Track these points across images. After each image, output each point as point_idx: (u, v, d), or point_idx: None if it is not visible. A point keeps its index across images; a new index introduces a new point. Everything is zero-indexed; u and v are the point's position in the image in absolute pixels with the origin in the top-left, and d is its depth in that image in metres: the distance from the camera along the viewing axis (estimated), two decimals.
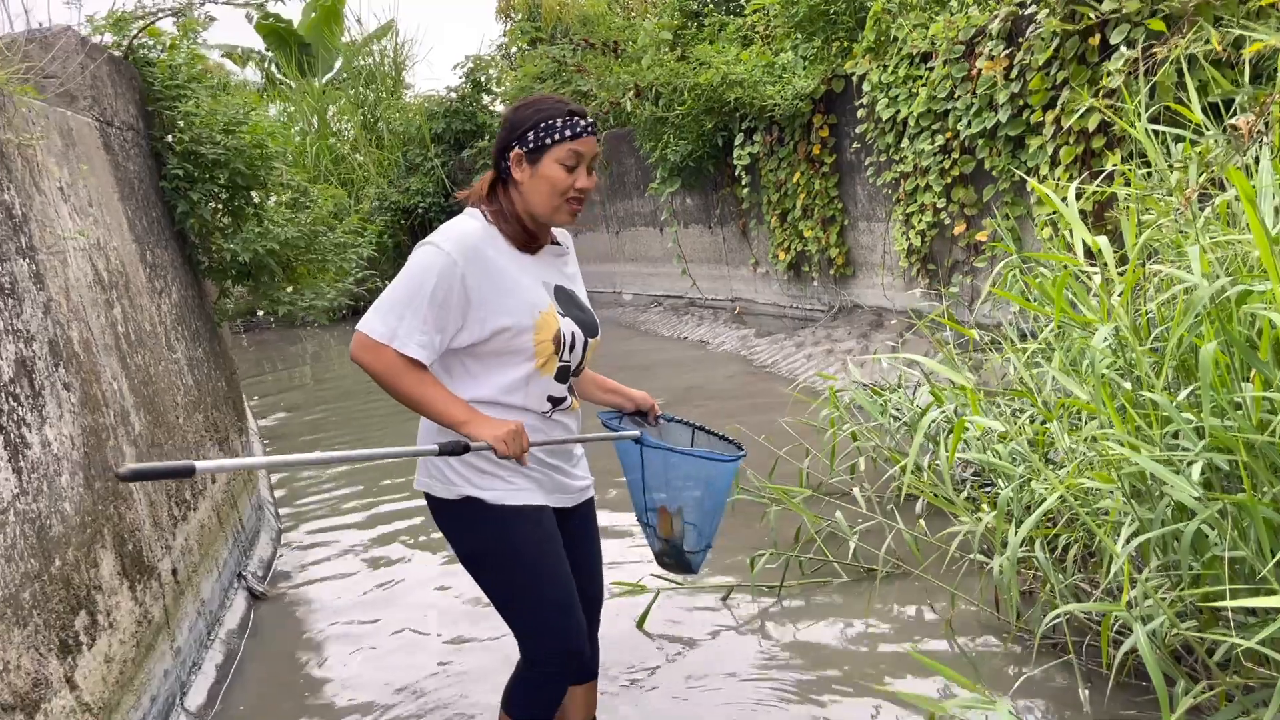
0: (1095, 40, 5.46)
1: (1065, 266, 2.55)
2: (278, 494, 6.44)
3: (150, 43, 5.04)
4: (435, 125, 16.05)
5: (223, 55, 20.59)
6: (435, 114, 16.21)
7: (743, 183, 9.54)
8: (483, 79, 16.17)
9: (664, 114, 9.73)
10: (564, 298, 2.39)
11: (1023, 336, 4.54)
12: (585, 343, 2.39)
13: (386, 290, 2.23)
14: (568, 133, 2.23)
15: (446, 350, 2.28)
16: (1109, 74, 5.12)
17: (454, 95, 16.26)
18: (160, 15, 4.58)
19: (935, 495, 3.16)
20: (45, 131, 3.35)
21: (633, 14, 13.64)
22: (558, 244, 2.46)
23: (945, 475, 2.77)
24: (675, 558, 2.62)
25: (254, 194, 4.99)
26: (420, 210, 15.61)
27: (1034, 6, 6.01)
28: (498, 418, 2.24)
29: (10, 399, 2.62)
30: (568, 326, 2.33)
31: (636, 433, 2.54)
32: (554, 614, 2.39)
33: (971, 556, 3.28)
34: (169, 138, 4.77)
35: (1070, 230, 3.61)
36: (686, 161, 9.80)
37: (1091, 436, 2.55)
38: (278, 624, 4.48)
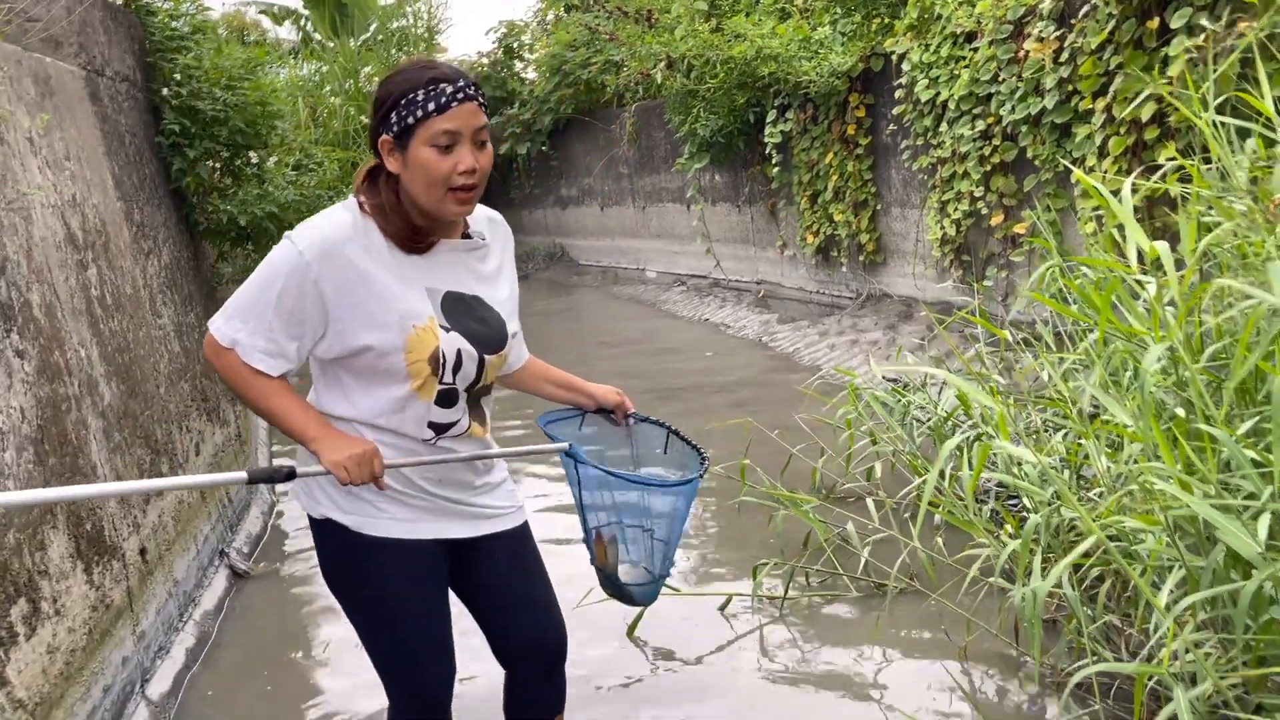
0: (1154, 24, 5.10)
1: (1113, 272, 2.26)
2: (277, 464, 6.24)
3: None
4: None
5: (260, 12, 20.41)
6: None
7: (773, 161, 9.22)
8: (515, 45, 15.85)
9: (695, 87, 9.41)
10: (456, 307, 1.97)
11: (1059, 338, 4.24)
12: (480, 360, 2.00)
13: (240, 286, 1.96)
14: (431, 106, 1.83)
15: (320, 358, 1.99)
16: (1170, 60, 4.76)
17: (485, 61, 15.96)
18: None
19: (953, 514, 2.89)
20: (14, 78, 3.12)
21: None
22: (469, 236, 2.05)
23: (969, 497, 2.49)
24: (613, 588, 2.27)
25: (253, 154, 4.76)
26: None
27: None
28: (361, 438, 1.95)
29: None
30: (451, 343, 1.94)
31: (564, 445, 2.16)
32: (408, 660, 2.10)
33: (991, 581, 3.01)
34: (167, 91, 4.54)
35: (1120, 229, 3.31)
36: (716, 137, 9.48)
37: (1132, 460, 2.27)
38: (259, 605, 4.28)
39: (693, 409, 6.64)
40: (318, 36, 19.42)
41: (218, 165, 4.89)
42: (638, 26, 11.09)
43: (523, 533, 2.24)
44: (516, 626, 2.21)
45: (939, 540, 3.60)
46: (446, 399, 1.99)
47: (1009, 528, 3.02)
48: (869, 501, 3.47)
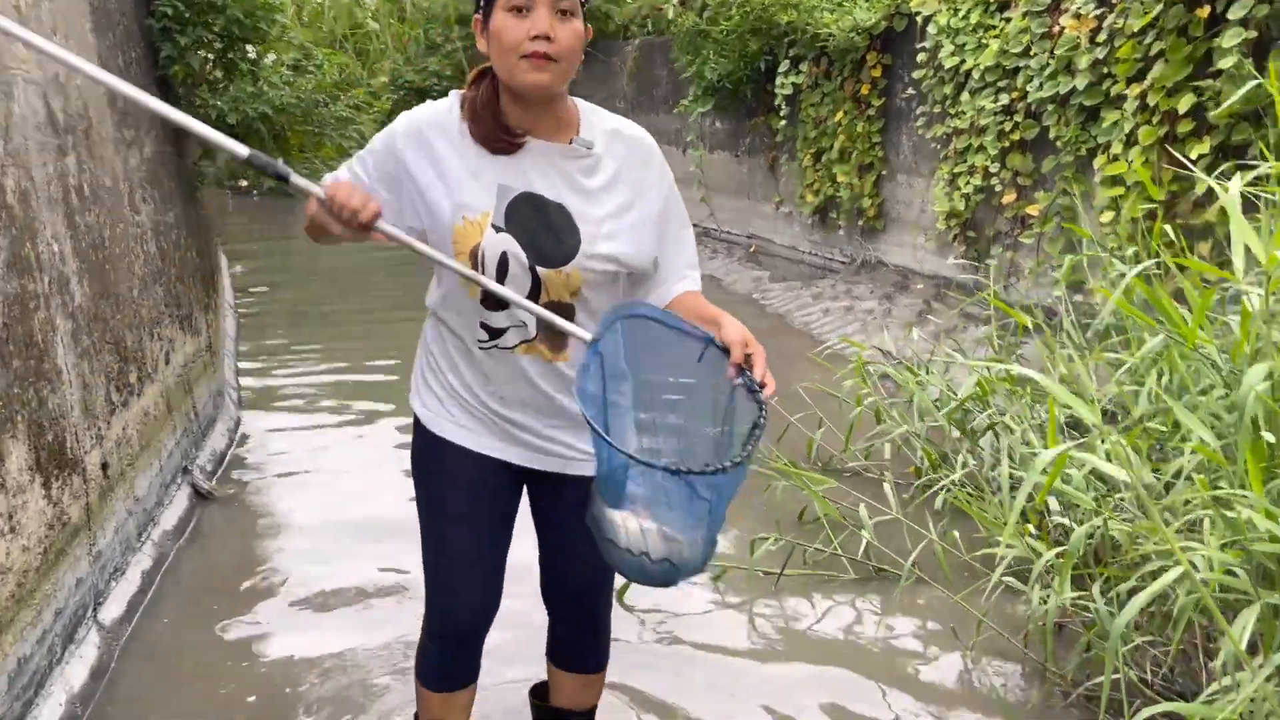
0: (1204, 12, 4.89)
1: (1210, 279, 2.09)
2: (244, 381, 5.99)
3: None
4: (464, 4, 15.23)
5: None
6: None
7: (781, 113, 8.95)
8: None
9: (707, 28, 9.08)
10: (525, 209, 1.83)
11: (1072, 326, 4.09)
12: (533, 271, 1.84)
13: None
14: None
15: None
16: (1218, 52, 4.57)
17: None
18: None
19: (976, 509, 2.73)
20: None
21: None
22: (574, 143, 1.87)
23: (1006, 510, 2.33)
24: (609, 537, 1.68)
25: (250, 48, 4.44)
26: (435, 94, 14.84)
27: None
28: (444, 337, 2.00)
29: None
30: (496, 244, 1.81)
31: (588, 335, 1.76)
32: (446, 575, 2.07)
33: (1007, 580, 2.87)
34: None
35: (1146, 219, 3.12)
36: (724, 82, 9.17)
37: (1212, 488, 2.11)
38: (221, 527, 4.09)
39: None
40: None
41: (210, 56, 4.56)
42: None
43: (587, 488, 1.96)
44: (568, 576, 2.17)
45: (944, 527, 3.46)
46: (494, 300, 1.87)
47: (1030, 527, 2.88)
48: (886, 487, 3.31)
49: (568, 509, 2.01)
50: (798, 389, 4.63)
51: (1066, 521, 2.71)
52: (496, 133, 1.84)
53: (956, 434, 4.02)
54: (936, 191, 7.27)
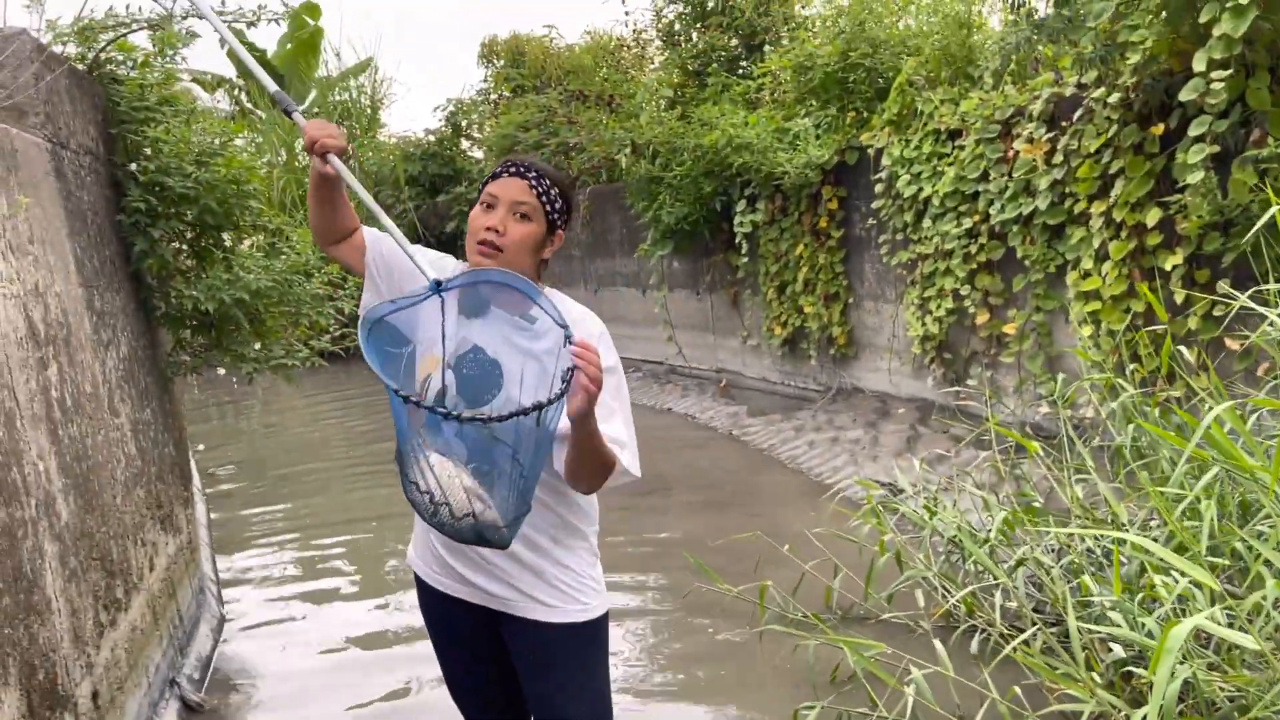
0: (1158, 129, 5.05)
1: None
2: (222, 572, 5.71)
3: (120, 58, 4.43)
4: (411, 167, 15.48)
5: (192, 80, 19.89)
6: (411, 156, 15.65)
7: (742, 251, 9.06)
8: (464, 123, 15.66)
9: (660, 173, 9.26)
10: (469, 358, 2.08)
11: (1051, 439, 4.03)
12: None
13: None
14: (492, 174, 2.22)
15: None
16: (1179, 167, 4.68)
17: (432, 138, 15.72)
18: (135, 27, 3.97)
19: (1050, 669, 2.57)
20: None
21: (627, 69, 13.25)
22: (521, 316, 2.04)
23: (1080, 669, 2.18)
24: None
25: (226, 236, 4.36)
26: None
27: (1082, 90, 5.61)
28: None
29: None
30: (439, 378, 2.05)
31: (433, 274, 1.97)
32: (451, 691, 2.40)
33: None
34: (133, 166, 4.15)
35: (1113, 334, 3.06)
36: (682, 224, 9.30)
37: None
38: None
39: (677, 506, 6.30)
40: (250, 106, 18.94)
41: (182, 246, 4.48)
42: (596, 111, 10.98)
43: (561, 636, 2.19)
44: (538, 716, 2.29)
45: (990, 674, 3.29)
46: (429, 424, 1.95)
47: (1095, 676, 2.73)
48: (936, 643, 3.14)
49: (522, 652, 2.23)
50: (805, 532, 4.50)
51: (1140, 671, 2.57)
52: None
53: (979, 568, 3.89)
54: (908, 316, 7.33)
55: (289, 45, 18.33)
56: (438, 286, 1.95)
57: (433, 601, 2.32)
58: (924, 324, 7.07)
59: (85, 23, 4.05)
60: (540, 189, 2.15)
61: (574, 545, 2.24)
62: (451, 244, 15.31)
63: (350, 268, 2.29)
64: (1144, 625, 2.36)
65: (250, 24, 4.14)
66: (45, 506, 2.83)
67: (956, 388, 6.83)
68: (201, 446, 9.31)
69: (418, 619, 4.28)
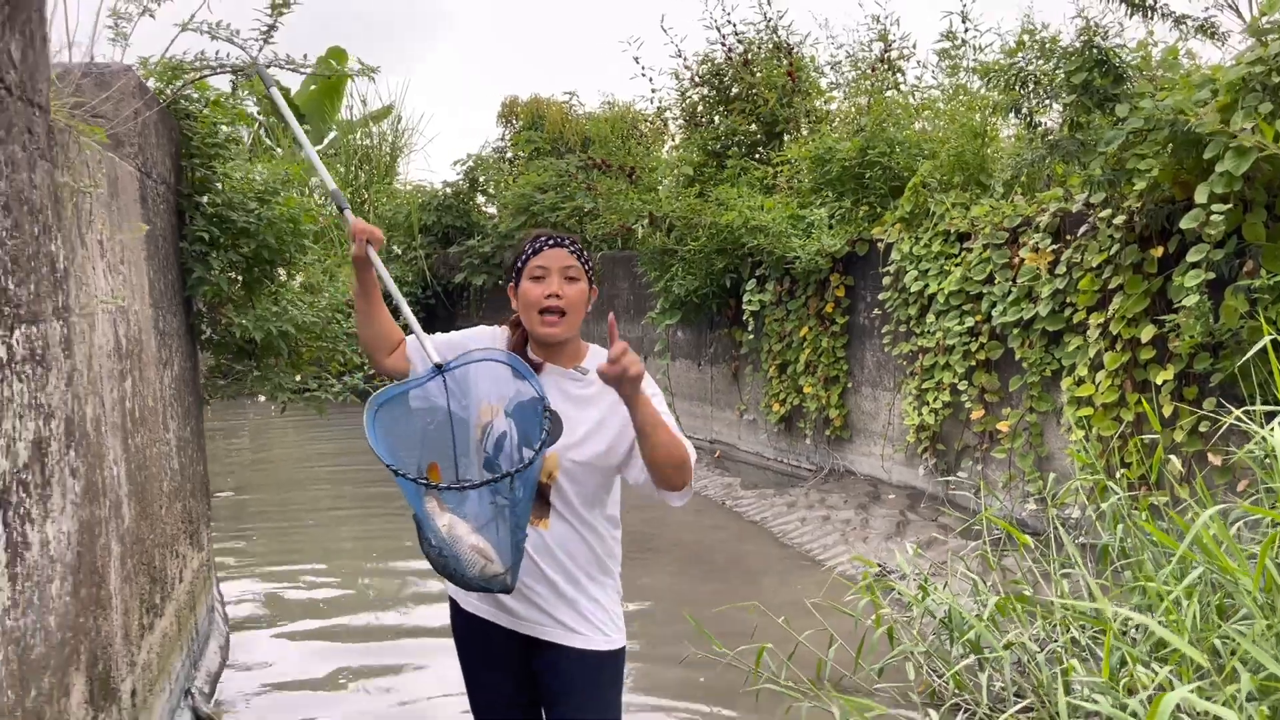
0: (1158, 252, 5.39)
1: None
2: (226, 593, 5.86)
3: (194, 95, 4.71)
4: (426, 217, 15.82)
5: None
6: (427, 205, 16.01)
7: (748, 328, 9.36)
8: (481, 179, 16.04)
9: (675, 246, 9.58)
10: (528, 407, 2.31)
11: (1036, 535, 4.27)
12: (520, 450, 2.33)
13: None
14: (529, 250, 2.42)
15: None
16: (1183, 290, 5.00)
17: (448, 190, 16.09)
18: (221, 70, 4.26)
19: None
20: (98, 180, 2.97)
21: (646, 139, 13.68)
22: (574, 369, 2.45)
23: None
24: (436, 549, 2.22)
25: (281, 270, 4.61)
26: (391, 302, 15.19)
27: (1089, 208, 5.96)
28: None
29: (20, 489, 2.18)
30: (500, 424, 2.37)
31: (437, 358, 2.38)
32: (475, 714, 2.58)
33: None
34: (204, 198, 4.40)
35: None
36: (691, 296, 9.61)
37: None
38: None
39: (673, 571, 6.48)
40: (269, 142, 19.33)
41: (236, 276, 4.72)
42: (615, 180, 11.35)
43: (587, 663, 2.40)
44: None
45: None
46: (489, 465, 2.38)
47: None
48: (933, 713, 3.34)
49: (547, 677, 2.42)
50: (804, 602, 4.70)
51: None
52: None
53: (965, 648, 4.10)
54: (905, 405, 7.60)
55: (312, 87, 18.76)
56: (438, 369, 2.35)
57: (467, 626, 2.51)
58: (920, 414, 7.34)
59: (174, 63, 4.33)
60: (577, 252, 2.43)
61: (605, 582, 2.49)
62: (460, 294, 15.59)
63: (401, 375, 2.53)
64: (1128, 707, 2.58)
65: (326, 78, 4.42)
66: (114, 508, 3.03)
67: (948, 478, 7.08)
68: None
69: (413, 644, 4.44)
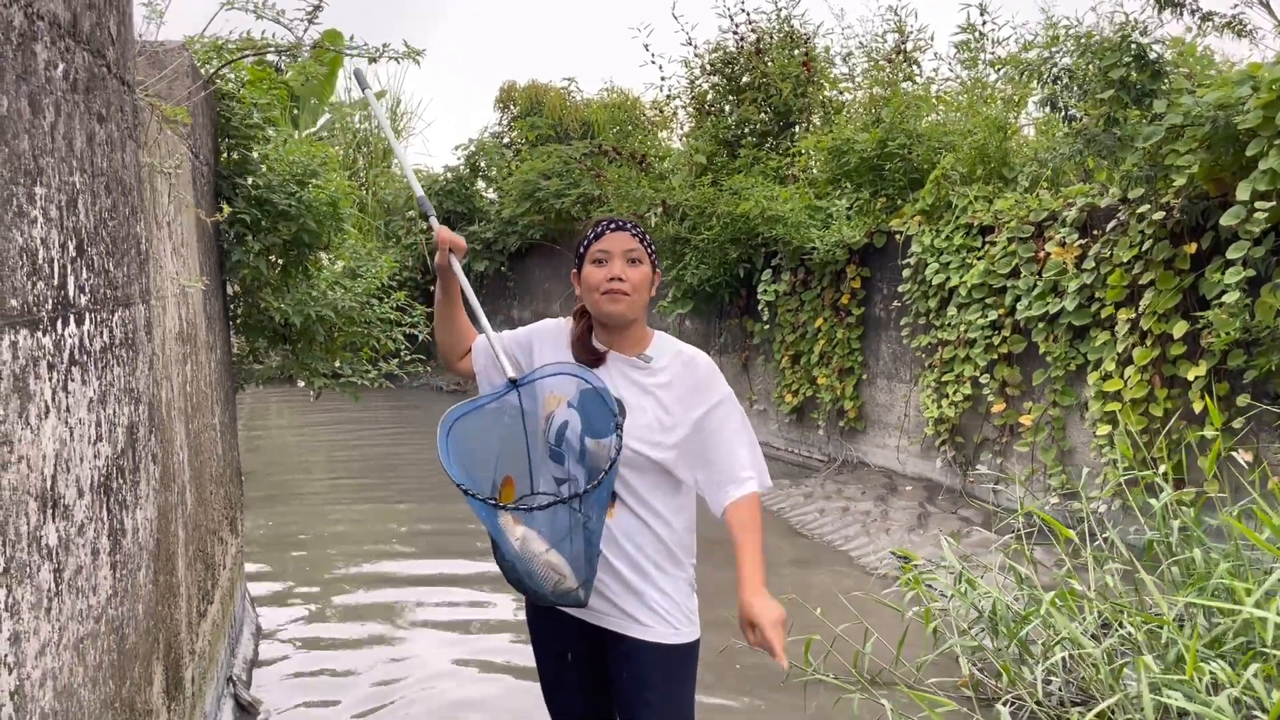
0: (1190, 249, 5.40)
1: None
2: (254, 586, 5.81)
3: (230, 75, 4.65)
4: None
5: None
6: (427, 190, 15.88)
7: (762, 318, 9.34)
8: (483, 164, 15.94)
9: (689, 235, 9.56)
10: (592, 397, 2.33)
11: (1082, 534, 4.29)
12: (582, 440, 2.35)
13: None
14: (591, 235, 2.44)
15: None
16: (1220, 286, 5.01)
17: (449, 175, 15.98)
18: (268, 50, 4.20)
19: None
20: (180, 160, 2.92)
21: (646, 127, 13.61)
22: (639, 357, 2.44)
23: None
24: (508, 562, 2.27)
25: (323, 255, 4.56)
26: (396, 284, 15.11)
27: (1124, 203, 5.97)
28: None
29: (118, 475, 2.14)
30: (562, 414, 2.37)
31: (513, 372, 2.42)
32: (545, 696, 2.60)
33: None
34: (248, 180, 4.35)
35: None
36: (704, 286, 9.59)
37: None
38: None
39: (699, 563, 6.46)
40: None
41: (275, 260, 4.67)
42: (624, 169, 11.30)
43: (654, 656, 2.39)
44: None
45: None
46: (554, 456, 2.41)
47: None
48: (1000, 708, 3.34)
49: (618, 669, 2.42)
50: (837, 594, 4.70)
51: None
52: (584, 355, 2.45)
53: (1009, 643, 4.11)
54: (924, 398, 7.61)
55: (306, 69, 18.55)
56: (513, 384, 2.40)
57: (541, 616, 2.54)
58: (939, 407, 7.35)
59: (219, 43, 4.27)
60: (639, 235, 2.44)
61: (675, 574, 2.47)
62: None
63: (470, 376, 2.60)
64: (1213, 704, 2.59)
65: (372, 60, 4.38)
66: (180, 494, 2.99)
67: (967, 471, 7.09)
68: None
69: (428, 634, 4.33)
